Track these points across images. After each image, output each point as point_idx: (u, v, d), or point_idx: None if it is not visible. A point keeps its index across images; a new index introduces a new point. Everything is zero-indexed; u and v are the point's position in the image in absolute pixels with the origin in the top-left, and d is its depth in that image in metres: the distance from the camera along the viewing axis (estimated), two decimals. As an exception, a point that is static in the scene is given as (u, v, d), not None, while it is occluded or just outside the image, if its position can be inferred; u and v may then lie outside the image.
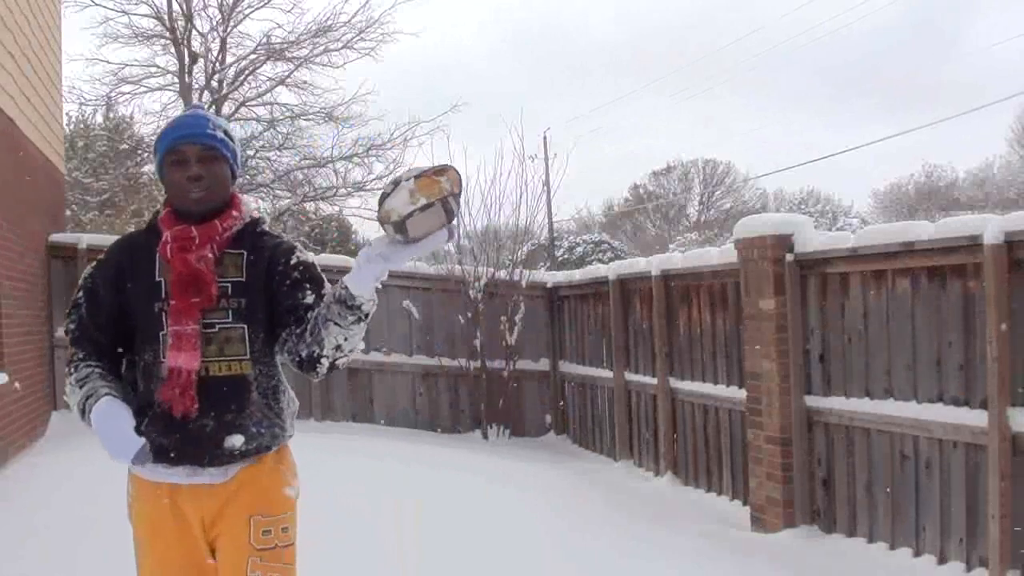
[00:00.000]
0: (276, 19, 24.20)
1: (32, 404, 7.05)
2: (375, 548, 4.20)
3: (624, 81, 67.27)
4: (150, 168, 16.47)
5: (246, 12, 17.19)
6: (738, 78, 62.33)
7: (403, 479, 5.77)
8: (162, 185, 2.29)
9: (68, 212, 10.99)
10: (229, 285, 2.17)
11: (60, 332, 8.01)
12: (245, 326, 2.17)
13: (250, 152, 17.17)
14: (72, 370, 2.19)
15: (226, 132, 2.24)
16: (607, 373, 7.90)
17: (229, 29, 17.07)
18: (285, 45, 17.22)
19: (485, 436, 8.68)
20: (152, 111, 19.21)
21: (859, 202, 45.36)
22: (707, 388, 6.34)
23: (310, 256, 2.29)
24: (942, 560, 4.38)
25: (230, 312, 2.16)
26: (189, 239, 2.15)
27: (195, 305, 2.12)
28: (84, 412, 2.11)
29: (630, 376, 7.55)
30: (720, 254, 6.10)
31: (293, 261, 2.22)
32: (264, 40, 17.11)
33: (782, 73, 61.86)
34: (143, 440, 2.07)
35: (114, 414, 2.07)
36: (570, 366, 8.82)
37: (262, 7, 17.19)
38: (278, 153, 18.40)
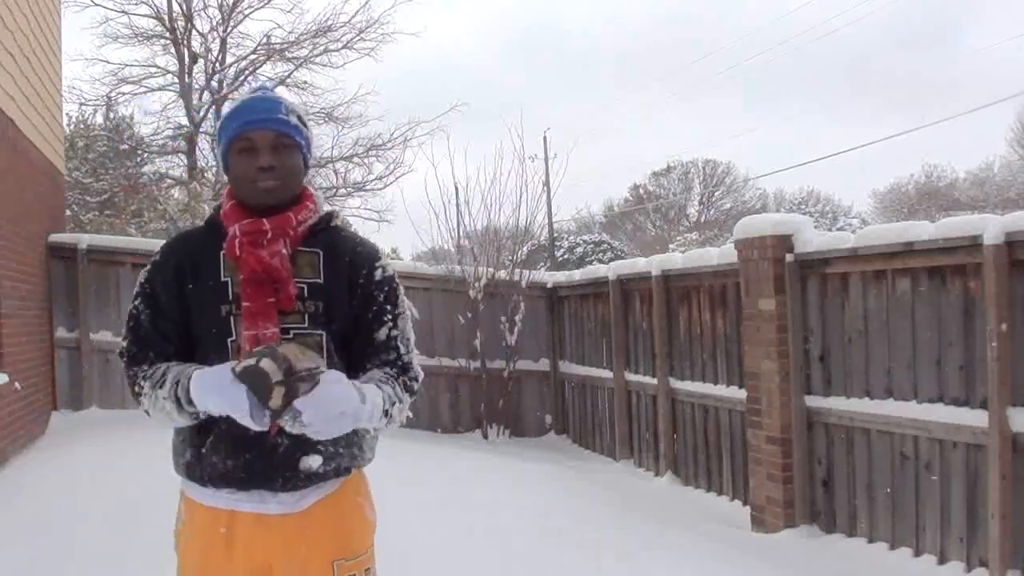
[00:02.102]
0: (276, 19, 24.22)
1: (32, 404, 7.05)
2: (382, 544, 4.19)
3: (624, 81, 67.31)
4: (150, 168, 16.49)
5: (246, 12, 17.21)
6: (738, 78, 62.39)
7: (400, 478, 5.77)
8: (225, 175, 2.06)
9: (68, 212, 10.99)
10: (305, 286, 1.93)
11: (60, 332, 8.05)
12: (323, 333, 1.93)
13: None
14: (140, 385, 1.91)
15: (300, 118, 2.01)
16: (607, 373, 7.90)
17: (229, 29, 17.08)
18: (285, 45, 17.23)
19: (485, 436, 8.69)
20: (152, 111, 19.21)
21: (859, 202, 45.45)
22: (707, 388, 6.35)
23: (391, 267, 2.05)
24: (942, 560, 4.38)
25: (306, 316, 1.92)
26: (261, 232, 1.91)
27: (272, 306, 1.88)
28: (180, 401, 1.82)
29: (630, 376, 7.55)
30: (720, 254, 6.10)
31: (377, 277, 2.00)
32: (264, 40, 17.13)
33: (782, 73, 61.89)
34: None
35: (219, 372, 1.77)
36: (570, 366, 8.82)
37: (262, 7, 17.21)
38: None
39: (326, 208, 2.06)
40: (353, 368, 1.97)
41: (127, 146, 15.77)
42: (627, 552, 4.79)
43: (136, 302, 2.00)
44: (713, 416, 6.33)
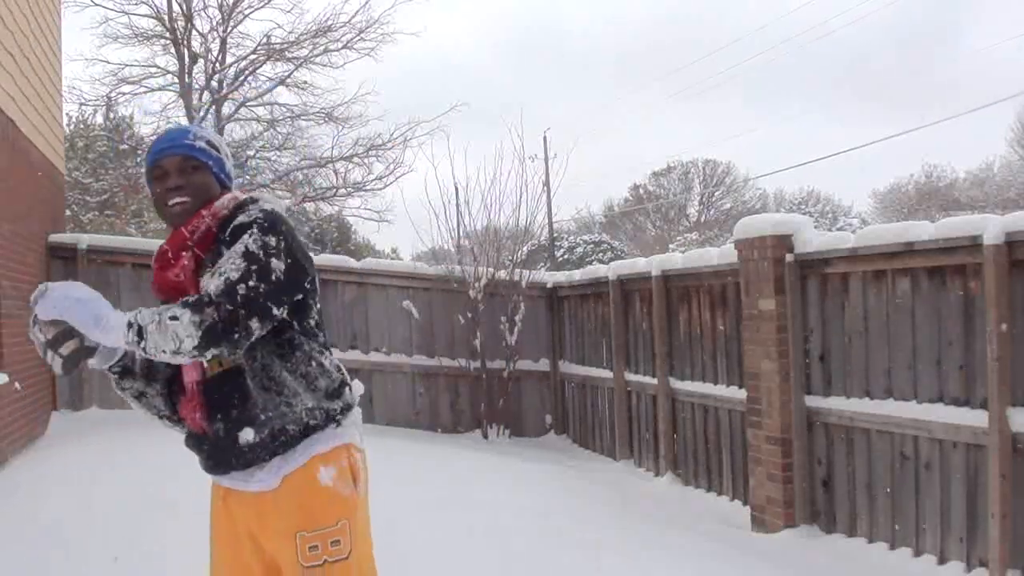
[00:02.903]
0: (276, 19, 24.22)
1: (32, 404, 7.05)
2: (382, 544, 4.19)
3: (624, 81, 67.31)
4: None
5: (246, 12, 17.21)
6: (738, 78, 62.38)
7: (400, 478, 5.77)
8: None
9: (68, 212, 10.99)
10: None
11: (60, 332, 8.05)
12: None
13: (250, 152, 17.19)
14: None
15: (208, 142, 2.17)
16: (607, 373, 7.90)
17: (229, 29, 17.09)
18: (285, 45, 17.23)
19: (485, 436, 8.69)
20: (152, 111, 19.21)
21: (859, 202, 45.46)
22: (707, 388, 6.35)
23: (263, 229, 2.03)
24: (942, 560, 4.38)
25: None
26: (164, 255, 2.12)
27: None
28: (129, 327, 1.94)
29: (630, 376, 7.55)
30: (720, 254, 6.10)
31: (240, 238, 2.03)
32: (264, 40, 17.13)
33: (782, 73, 61.89)
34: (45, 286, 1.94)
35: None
36: (570, 366, 8.83)
37: (262, 7, 17.22)
38: (278, 153, 18.42)
39: (239, 198, 2.15)
40: (281, 348, 2.13)
41: (127, 146, 15.77)
42: (627, 552, 4.79)
43: None
44: (713, 416, 6.33)
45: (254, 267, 1.96)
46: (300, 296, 2.09)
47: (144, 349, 1.92)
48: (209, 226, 2.10)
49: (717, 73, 63.94)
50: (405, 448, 7.11)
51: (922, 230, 4.47)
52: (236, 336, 1.92)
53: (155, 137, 2.27)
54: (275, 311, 1.99)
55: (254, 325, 1.95)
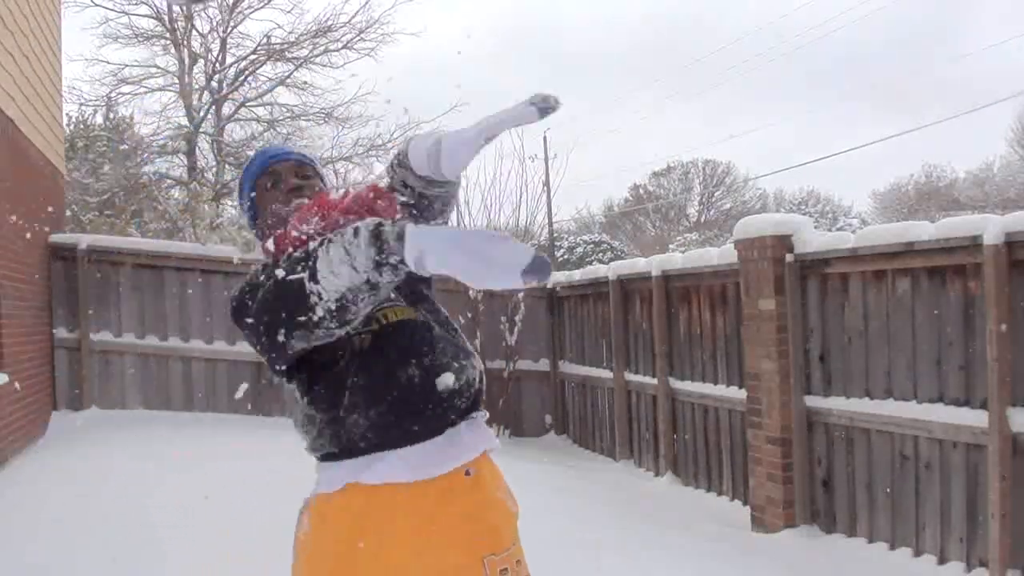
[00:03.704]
0: (276, 19, 24.12)
1: (32, 404, 7.05)
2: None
3: (624, 82, 67.32)
4: (150, 168, 16.47)
5: (246, 12, 17.19)
6: (738, 78, 62.40)
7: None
8: (262, 228, 2.01)
9: (68, 212, 10.99)
10: None
11: (60, 332, 8.05)
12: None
13: (250, 153, 17.17)
14: (288, 268, 1.71)
15: (313, 160, 2.12)
16: (607, 373, 7.90)
17: (229, 29, 17.07)
18: (285, 45, 17.22)
19: (485, 436, 8.68)
20: (152, 111, 19.20)
21: (859, 202, 45.45)
22: (707, 388, 6.35)
23: None
24: (942, 560, 4.38)
25: None
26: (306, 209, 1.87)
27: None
28: (377, 237, 1.57)
29: (630, 376, 7.55)
30: (720, 254, 6.10)
31: None
32: (264, 40, 17.12)
33: (782, 73, 61.87)
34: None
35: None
36: (570, 366, 8.83)
37: (262, 7, 17.20)
38: (278, 153, 18.39)
39: None
40: None
41: (127, 146, 15.76)
42: (627, 552, 4.79)
43: None
44: (713, 416, 6.33)
45: None
46: None
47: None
48: None
49: (717, 73, 63.95)
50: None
51: (922, 230, 4.47)
52: None
53: (249, 159, 2.14)
54: None
55: None
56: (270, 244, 1.87)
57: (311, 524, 1.87)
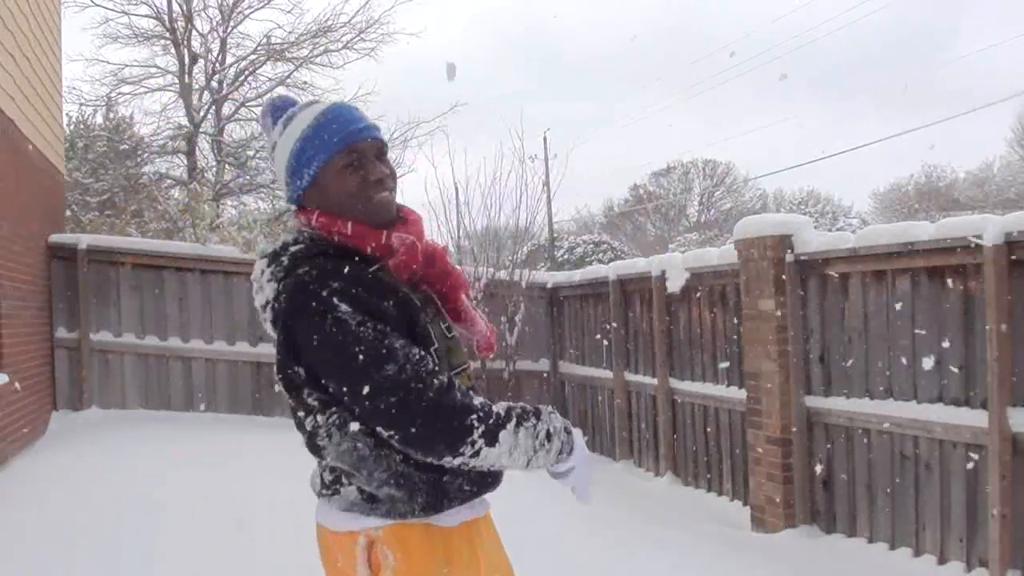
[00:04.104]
0: (276, 19, 24.14)
1: (32, 404, 7.05)
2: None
3: (624, 81, 67.30)
4: (150, 168, 16.45)
5: (246, 12, 17.19)
6: (738, 78, 62.37)
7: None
8: (316, 195, 1.81)
9: (68, 212, 10.99)
10: None
11: (60, 332, 8.05)
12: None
13: (250, 153, 17.18)
14: (480, 414, 1.63)
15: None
16: (607, 373, 7.89)
17: (229, 29, 17.07)
18: (285, 46, 17.22)
19: (485, 436, 8.68)
20: (152, 111, 19.21)
21: (859, 202, 45.42)
22: (707, 388, 6.34)
23: None
24: (942, 560, 4.38)
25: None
26: (416, 248, 1.79)
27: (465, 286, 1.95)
28: (562, 448, 1.72)
29: (630, 376, 7.55)
30: (720, 254, 6.10)
31: None
32: (264, 41, 17.11)
33: (783, 73, 61.83)
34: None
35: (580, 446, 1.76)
36: (570, 366, 8.82)
37: (262, 7, 17.19)
38: (278, 153, 18.38)
39: None
40: None
41: (127, 146, 15.75)
42: (627, 552, 4.79)
43: (388, 331, 1.66)
44: (713, 416, 6.33)
45: None
46: None
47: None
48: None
49: (717, 73, 63.95)
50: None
51: (922, 230, 4.47)
52: None
53: (316, 116, 1.81)
54: None
55: None
56: (333, 225, 1.76)
57: (397, 557, 1.71)
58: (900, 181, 39.85)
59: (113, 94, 16.64)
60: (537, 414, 1.69)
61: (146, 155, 16.44)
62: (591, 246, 27.22)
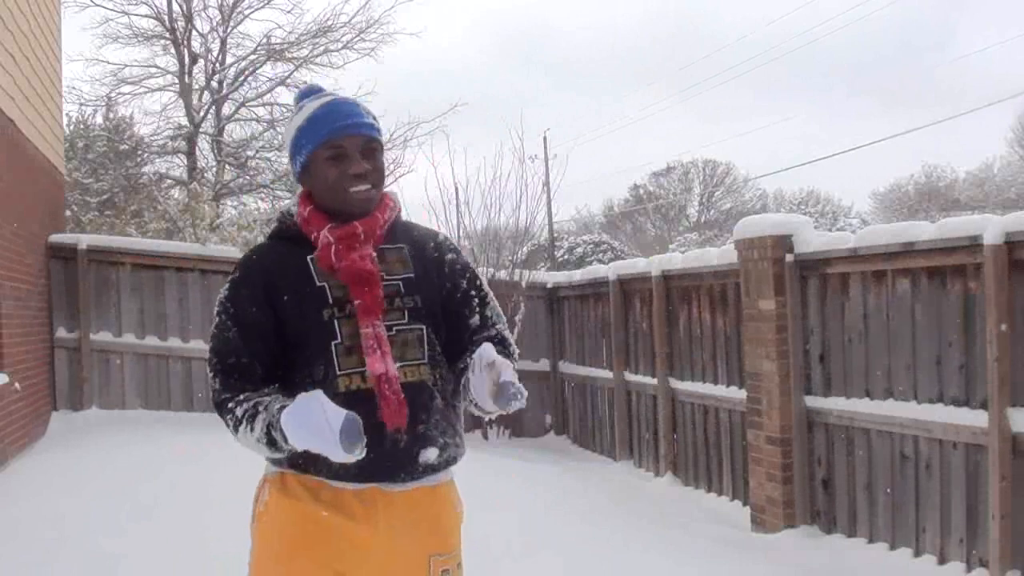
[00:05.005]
0: (276, 19, 24.09)
1: (32, 404, 7.05)
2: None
3: (625, 82, 67.31)
4: (150, 168, 16.46)
5: (246, 13, 17.20)
6: (738, 78, 62.37)
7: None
8: (305, 182, 2.01)
9: (68, 212, 10.99)
10: (400, 283, 1.96)
11: (60, 332, 8.05)
12: (423, 326, 1.95)
13: (250, 153, 17.19)
14: (231, 415, 1.86)
15: (374, 117, 2.02)
16: (607, 373, 7.89)
17: (229, 30, 17.07)
18: (285, 46, 17.22)
19: (485, 436, 8.68)
20: (152, 111, 19.20)
21: (859, 202, 45.37)
22: (707, 388, 6.34)
23: (463, 251, 2.14)
24: (942, 560, 4.38)
25: (406, 312, 1.94)
26: (355, 236, 1.91)
27: (381, 303, 1.91)
28: (274, 442, 1.80)
29: (630, 376, 7.55)
30: (720, 255, 6.10)
31: (459, 263, 2.07)
32: (264, 41, 17.12)
33: (782, 73, 61.87)
34: (345, 413, 1.71)
35: (306, 405, 1.73)
36: (570, 366, 8.82)
37: (262, 7, 17.20)
38: (278, 154, 18.38)
39: (393, 195, 2.08)
40: (451, 357, 2.01)
41: (127, 146, 15.75)
42: (627, 552, 4.79)
43: (220, 325, 1.94)
44: (713, 416, 6.33)
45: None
46: None
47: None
48: (390, 220, 2.02)
49: (717, 73, 63.94)
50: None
51: (922, 230, 4.47)
52: None
53: (313, 109, 1.98)
54: None
55: None
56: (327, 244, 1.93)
57: (271, 494, 1.96)
58: (900, 181, 39.86)
59: (113, 94, 16.65)
60: (255, 416, 1.82)
61: (146, 155, 16.45)
62: (591, 246, 27.23)
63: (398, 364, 1.90)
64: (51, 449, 6.65)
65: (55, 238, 8.14)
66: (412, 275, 1.99)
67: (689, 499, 6.39)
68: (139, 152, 15.99)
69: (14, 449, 6.34)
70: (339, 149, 1.92)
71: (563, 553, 4.66)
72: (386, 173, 2.02)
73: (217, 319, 1.95)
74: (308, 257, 1.94)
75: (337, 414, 1.68)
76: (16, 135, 6.84)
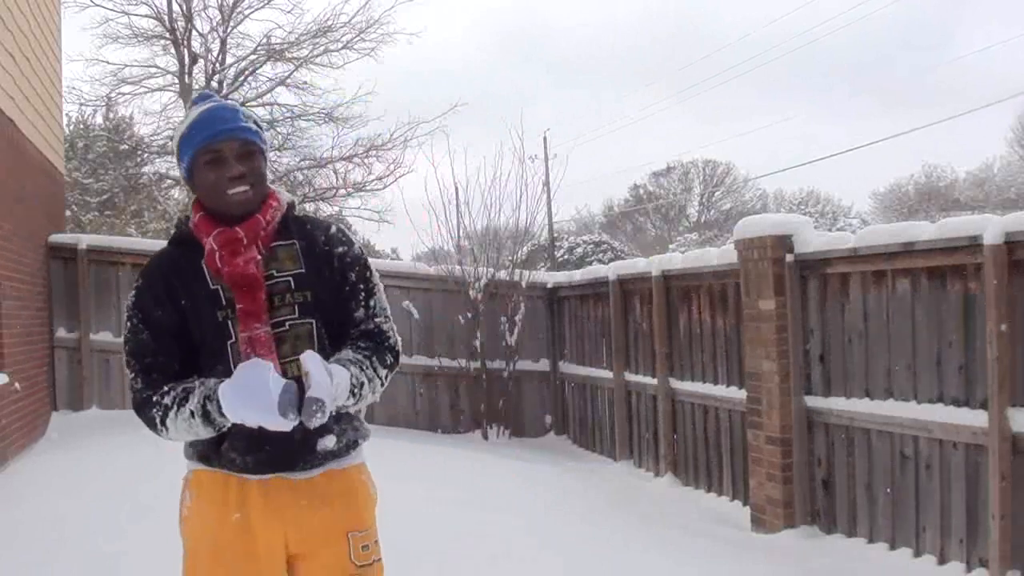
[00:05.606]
0: (276, 20, 24.09)
1: (32, 404, 7.05)
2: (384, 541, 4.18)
3: (624, 82, 67.31)
4: (150, 168, 16.48)
5: (246, 13, 17.21)
6: (738, 78, 62.38)
7: (399, 477, 5.77)
8: (192, 187, 2.09)
9: (68, 212, 10.99)
10: (291, 278, 2.03)
11: (60, 332, 8.05)
12: (313, 320, 2.03)
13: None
14: (157, 413, 1.95)
15: (256, 122, 2.08)
16: (607, 373, 7.89)
17: (229, 30, 17.09)
18: (285, 46, 17.24)
19: (485, 437, 8.68)
20: (152, 111, 19.22)
21: (859, 202, 45.38)
22: (707, 388, 6.34)
23: (359, 244, 2.18)
24: (942, 560, 4.38)
25: (296, 307, 2.02)
26: (237, 241, 2.00)
27: (262, 307, 1.99)
28: (209, 416, 1.88)
29: (630, 376, 7.55)
30: (720, 255, 6.10)
31: (349, 256, 2.11)
32: (264, 41, 17.13)
33: (782, 73, 61.87)
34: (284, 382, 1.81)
35: (251, 368, 1.82)
36: (570, 366, 8.82)
37: (262, 7, 17.22)
38: (278, 154, 18.41)
39: (285, 195, 2.15)
40: (337, 347, 2.08)
41: (127, 146, 15.77)
42: (628, 552, 4.79)
43: (133, 329, 2.04)
44: (713, 416, 6.33)
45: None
46: None
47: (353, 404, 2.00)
48: (278, 219, 2.08)
49: (717, 73, 63.95)
50: (404, 448, 7.11)
51: (922, 230, 4.47)
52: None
53: (193, 117, 2.06)
54: None
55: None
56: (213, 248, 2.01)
57: (191, 497, 2.13)
58: (900, 181, 39.86)
59: (113, 94, 16.67)
60: (187, 398, 1.92)
61: (146, 155, 16.47)
62: (591, 246, 27.22)
63: (288, 359, 1.98)
64: (51, 449, 6.65)
65: (55, 238, 8.14)
66: (303, 270, 2.05)
67: (689, 499, 6.39)
68: (139, 152, 16.01)
69: (14, 449, 6.34)
70: (216, 153, 1.99)
71: (563, 553, 4.66)
72: (265, 178, 2.07)
73: (128, 324, 2.05)
74: (202, 261, 2.03)
75: (278, 380, 1.79)
76: (16, 135, 6.84)
